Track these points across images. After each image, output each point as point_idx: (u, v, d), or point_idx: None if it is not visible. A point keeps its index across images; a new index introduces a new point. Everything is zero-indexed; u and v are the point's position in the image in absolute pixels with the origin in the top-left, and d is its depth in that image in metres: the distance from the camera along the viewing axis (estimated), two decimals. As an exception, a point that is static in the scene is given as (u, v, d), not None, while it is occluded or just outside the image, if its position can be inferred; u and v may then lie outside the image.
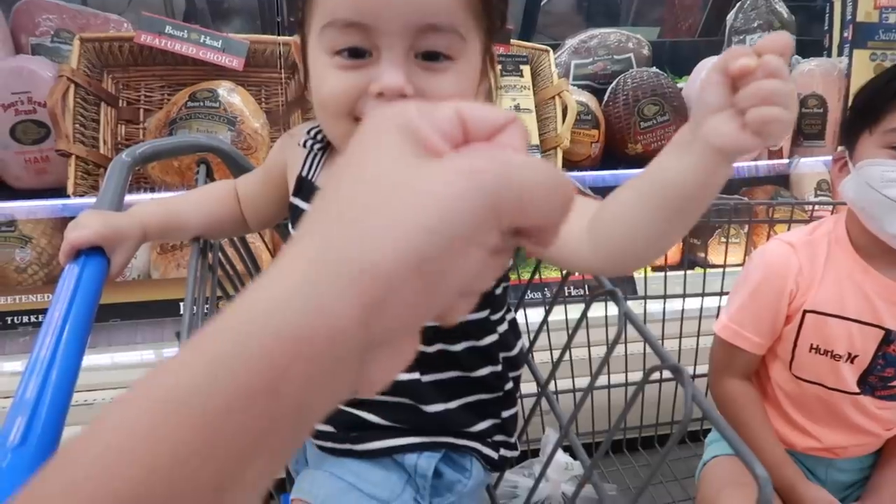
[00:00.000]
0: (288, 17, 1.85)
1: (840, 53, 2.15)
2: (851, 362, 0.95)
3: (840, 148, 0.99)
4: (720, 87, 0.43)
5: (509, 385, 0.71)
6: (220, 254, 0.88)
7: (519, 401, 0.75)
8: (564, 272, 0.72)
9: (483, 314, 0.67)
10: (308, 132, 0.68)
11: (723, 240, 1.82)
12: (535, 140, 1.81)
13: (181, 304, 1.47)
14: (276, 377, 0.22)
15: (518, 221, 0.26)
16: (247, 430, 0.22)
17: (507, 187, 0.25)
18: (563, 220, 0.28)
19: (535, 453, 1.27)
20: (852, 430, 0.99)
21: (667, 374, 0.51)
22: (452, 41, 0.56)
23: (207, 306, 0.69)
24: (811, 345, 0.96)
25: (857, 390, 0.96)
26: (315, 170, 0.69)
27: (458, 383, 0.67)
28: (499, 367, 0.69)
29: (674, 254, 1.76)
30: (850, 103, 1.00)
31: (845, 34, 2.12)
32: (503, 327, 0.71)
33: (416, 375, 0.65)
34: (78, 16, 1.76)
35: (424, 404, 0.65)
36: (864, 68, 2.09)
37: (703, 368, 1.36)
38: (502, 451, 0.71)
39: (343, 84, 0.56)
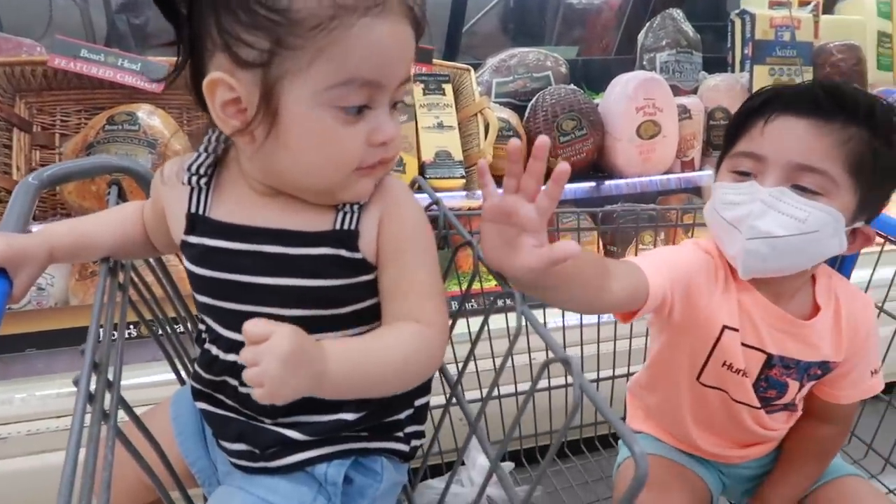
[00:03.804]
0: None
1: (742, 69, 2.28)
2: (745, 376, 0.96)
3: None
4: None
5: None
6: (136, 277, 0.87)
7: (430, 392, 0.76)
8: (465, 284, 0.74)
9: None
10: (189, 168, 0.66)
11: (641, 247, 1.90)
12: (459, 156, 1.85)
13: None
14: None
15: None
16: None
17: None
18: None
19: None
20: (749, 436, 1.01)
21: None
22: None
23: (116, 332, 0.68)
24: (724, 361, 0.94)
25: (759, 405, 0.97)
26: (205, 204, 0.67)
27: None
28: None
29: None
30: None
31: (746, 51, 2.26)
32: None
33: None
34: (-12, 40, 1.72)
35: (352, 412, 0.67)
36: (764, 83, 2.23)
37: (606, 373, 1.40)
38: (413, 442, 0.73)
39: (356, 140, 0.59)
